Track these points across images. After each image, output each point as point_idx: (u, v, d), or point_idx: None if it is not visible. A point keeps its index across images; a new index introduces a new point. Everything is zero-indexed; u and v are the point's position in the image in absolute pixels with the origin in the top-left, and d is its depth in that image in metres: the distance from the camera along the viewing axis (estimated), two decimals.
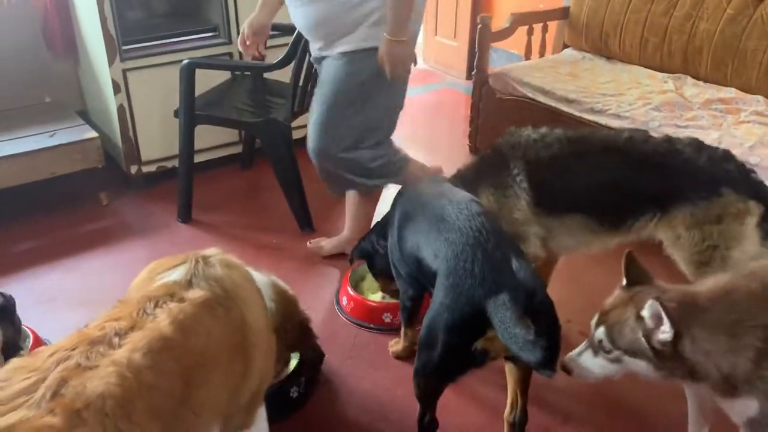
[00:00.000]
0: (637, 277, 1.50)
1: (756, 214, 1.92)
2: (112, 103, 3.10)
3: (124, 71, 3.03)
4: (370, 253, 2.22)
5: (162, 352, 1.28)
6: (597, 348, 1.50)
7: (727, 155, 2.01)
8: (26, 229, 2.96)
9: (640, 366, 1.44)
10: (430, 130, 4.25)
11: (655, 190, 2.00)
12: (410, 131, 4.15)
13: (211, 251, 1.60)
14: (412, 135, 4.10)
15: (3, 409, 1.11)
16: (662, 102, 2.99)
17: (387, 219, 2.14)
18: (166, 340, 1.31)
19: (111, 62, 2.98)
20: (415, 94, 4.73)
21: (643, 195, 2.01)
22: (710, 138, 2.62)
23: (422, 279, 1.84)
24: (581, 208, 2.07)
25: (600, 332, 1.48)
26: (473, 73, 3.58)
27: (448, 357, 1.59)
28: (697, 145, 2.03)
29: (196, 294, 1.44)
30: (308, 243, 2.85)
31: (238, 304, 1.50)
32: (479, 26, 3.44)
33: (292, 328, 1.84)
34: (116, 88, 3.04)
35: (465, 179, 2.15)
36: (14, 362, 1.23)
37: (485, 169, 2.17)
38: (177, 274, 1.49)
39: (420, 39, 5.29)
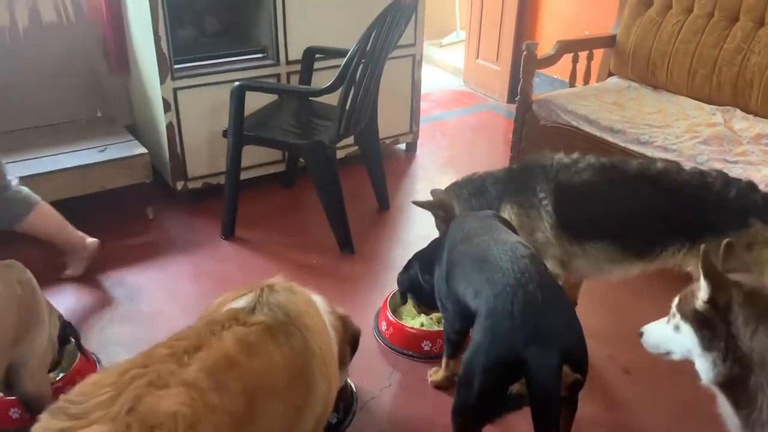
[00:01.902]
0: (731, 267, 1.50)
1: None
2: (161, 120, 3.17)
3: (175, 90, 3.10)
4: (415, 288, 2.22)
5: (227, 372, 1.34)
6: (668, 318, 1.53)
7: (752, 186, 2.08)
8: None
9: (687, 338, 1.45)
10: (469, 152, 4.25)
11: (686, 221, 2.05)
12: (449, 152, 4.17)
13: (276, 279, 1.66)
14: (451, 156, 4.12)
15: (81, 423, 1.17)
16: (711, 135, 2.94)
17: (432, 251, 2.14)
18: (231, 360, 1.37)
19: (163, 80, 3.05)
20: (455, 116, 4.75)
21: (674, 226, 2.06)
22: (760, 175, 2.58)
23: (466, 317, 1.84)
24: (606, 235, 2.10)
25: (674, 300, 1.51)
26: (516, 98, 3.57)
27: (483, 399, 1.59)
28: (725, 178, 2.10)
29: (258, 319, 1.50)
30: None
31: (300, 330, 1.55)
32: (525, 53, 3.44)
33: (348, 345, 1.90)
34: (166, 107, 3.11)
35: (489, 191, 2.25)
36: (91, 378, 1.30)
37: (512, 185, 2.22)
38: (243, 302, 1.56)
39: (461, 60, 5.32)
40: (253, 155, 3.31)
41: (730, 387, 1.40)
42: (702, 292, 1.39)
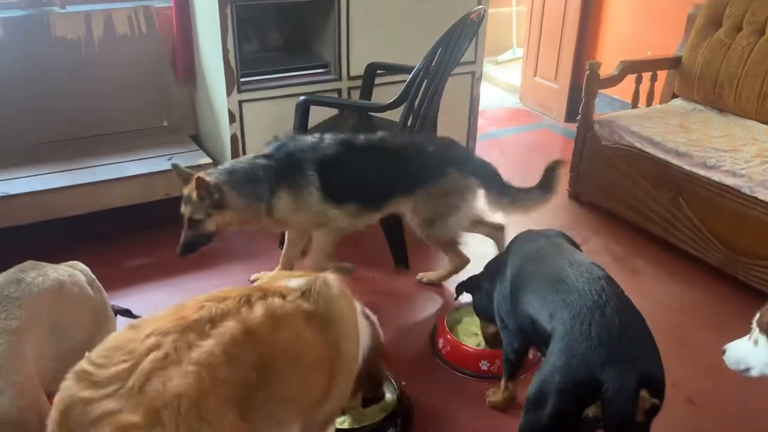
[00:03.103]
0: None
1: (475, 187, 2.58)
2: (226, 131, 3.24)
3: (240, 102, 3.17)
4: (474, 289, 2.23)
5: (243, 345, 1.42)
6: (749, 334, 1.56)
7: (452, 143, 2.67)
8: (139, 246, 3.13)
9: (764, 352, 1.49)
10: (525, 170, 4.19)
11: (403, 176, 2.54)
12: (505, 170, 4.10)
13: (334, 276, 1.73)
14: (507, 174, 4.05)
15: (98, 394, 1.27)
16: None
17: (498, 262, 2.14)
18: (250, 333, 1.44)
19: (229, 92, 3.13)
20: (511, 134, 4.72)
21: (396, 181, 2.55)
22: None
23: (535, 338, 1.82)
24: (355, 196, 2.52)
25: (755, 316, 1.55)
26: (578, 118, 3.54)
27: (556, 420, 1.56)
28: (430, 139, 2.65)
29: (300, 303, 1.58)
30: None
31: (335, 331, 1.62)
32: (587, 72, 3.41)
33: (367, 374, 1.90)
34: (231, 118, 3.18)
35: (261, 178, 2.43)
36: (115, 338, 1.42)
37: (282, 170, 2.46)
38: (297, 283, 1.64)
39: (517, 78, 5.30)
40: None
41: None
42: None
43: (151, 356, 1.32)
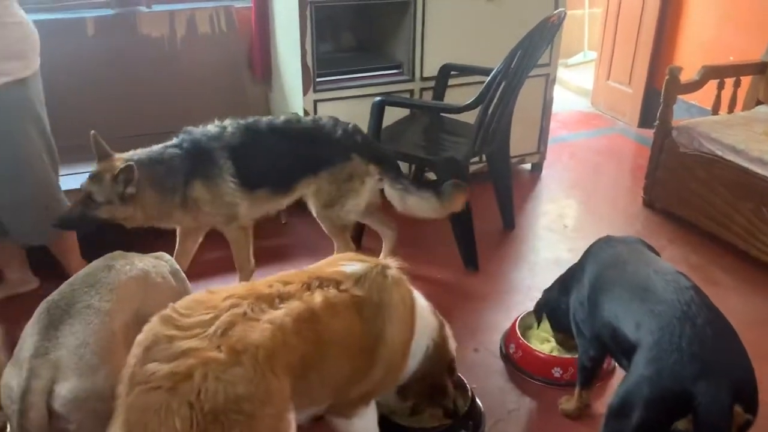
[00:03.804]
0: None
1: (375, 173, 2.61)
2: None
3: (315, 101, 3.22)
4: (554, 308, 2.19)
5: (308, 322, 1.53)
6: None
7: (356, 129, 2.64)
8: (217, 238, 3.20)
9: None
10: (596, 175, 4.14)
11: (308, 159, 2.56)
12: (575, 175, 4.08)
13: (393, 265, 1.78)
14: (577, 179, 4.03)
15: (183, 335, 1.40)
16: None
17: (572, 274, 2.10)
18: (314, 314, 1.55)
19: (305, 92, 3.18)
20: (582, 137, 4.64)
21: (302, 163, 2.57)
22: None
23: (613, 346, 1.79)
24: (265, 182, 2.55)
25: None
26: (655, 123, 3.44)
27: None
28: (335, 122, 2.63)
29: (354, 291, 1.66)
30: None
31: (383, 318, 1.69)
32: (667, 77, 3.32)
33: (431, 380, 1.93)
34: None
35: (177, 169, 2.40)
36: (195, 296, 1.57)
37: (195, 161, 2.43)
38: (354, 268, 1.72)
39: (590, 81, 5.20)
40: None
41: None
42: None
43: (232, 311, 1.45)
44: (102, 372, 1.63)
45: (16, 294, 2.77)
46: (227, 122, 2.56)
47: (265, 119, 2.62)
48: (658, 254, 2.02)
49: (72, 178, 2.72)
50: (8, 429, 1.76)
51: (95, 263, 1.92)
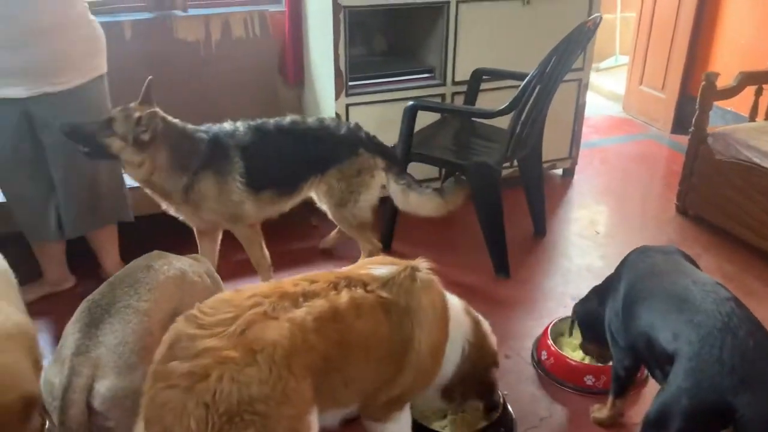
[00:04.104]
0: None
1: (381, 166, 2.66)
2: None
3: (347, 105, 3.24)
4: (589, 319, 2.17)
5: (331, 322, 1.53)
6: None
7: (358, 126, 2.70)
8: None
9: None
10: (628, 181, 4.09)
11: (315, 158, 2.59)
12: (607, 180, 4.04)
13: (424, 267, 1.76)
14: (609, 184, 3.99)
15: (205, 333, 1.43)
16: None
17: (608, 284, 2.08)
18: (338, 314, 1.55)
19: (337, 96, 3.20)
20: (614, 143, 4.60)
21: (309, 163, 2.60)
22: None
23: (648, 356, 1.76)
24: (272, 183, 2.57)
25: None
26: (690, 129, 3.40)
27: None
28: (338, 121, 2.73)
29: (382, 293, 1.65)
30: None
31: (411, 323, 1.68)
32: (703, 83, 3.28)
33: (475, 379, 1.92)
34: None
35: (196, 152, 2.43)
36: (222, 296, 1.59)
37: (211, 155, 2.45)
38: (383, 271, 1.72)
39: (622, 86, 5.14)
40: (410, 171, 3.37)
41: None
42: None
43: (253, 310, 1.47)
44: (140, 370, 1.65)
45: (54, 292, 2.83)
46: (239, 123, 2.59)
47: (272, 120, 2.65)
48: (696, 264, 1.99)
49: None
50: (47, 426, 1.80)
51: (134, 263, 1.96)
